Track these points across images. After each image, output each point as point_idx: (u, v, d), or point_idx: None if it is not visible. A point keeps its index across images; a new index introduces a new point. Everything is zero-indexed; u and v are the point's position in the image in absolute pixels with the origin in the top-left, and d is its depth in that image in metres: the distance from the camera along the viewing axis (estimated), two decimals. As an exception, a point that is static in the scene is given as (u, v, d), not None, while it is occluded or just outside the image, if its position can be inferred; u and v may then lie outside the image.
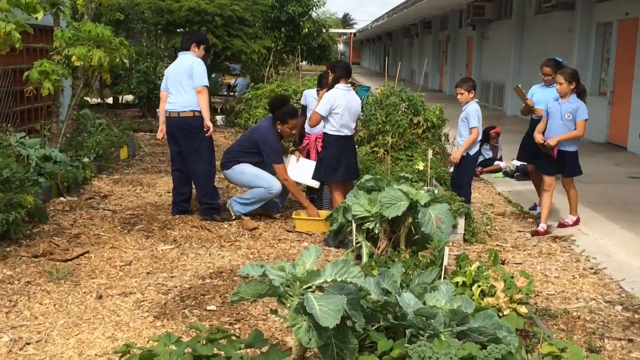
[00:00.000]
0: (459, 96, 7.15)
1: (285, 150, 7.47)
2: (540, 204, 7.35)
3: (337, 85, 6.68)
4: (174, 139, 7.10)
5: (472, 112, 7.03)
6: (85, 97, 11.71)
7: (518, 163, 9.87)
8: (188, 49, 7.15)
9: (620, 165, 11.24)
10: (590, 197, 8.40)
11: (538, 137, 6.98)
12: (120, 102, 17.80)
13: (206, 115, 6.92)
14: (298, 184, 7.32)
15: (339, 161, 6.69)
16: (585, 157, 11.92)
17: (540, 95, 7.51)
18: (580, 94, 6.88)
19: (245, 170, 7.15)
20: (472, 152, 7.15)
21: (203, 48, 7.20)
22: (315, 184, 7.24)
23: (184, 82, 6.94)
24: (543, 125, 7.02)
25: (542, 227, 7.02)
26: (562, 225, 7.21)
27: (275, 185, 7.07)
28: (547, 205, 7.08)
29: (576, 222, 7.22)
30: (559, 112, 6.87)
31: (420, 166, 7.45)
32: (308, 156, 7.40)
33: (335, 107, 6.56)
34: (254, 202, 7.13)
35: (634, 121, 12.68)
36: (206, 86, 6.96)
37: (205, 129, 6.93)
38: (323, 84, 7.39)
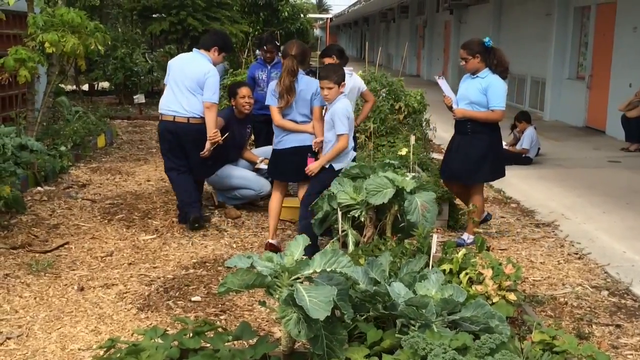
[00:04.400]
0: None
1: (253, 159, 7.18)
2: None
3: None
4: (180, 145, 6.35)
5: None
6: (60, 85, 11.51)
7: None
8: (208, 50, 6.48)
9: (600, 150, 11.29)
10: (571, 182, 8.43)
11: None
12: (95, 89, 17.55)
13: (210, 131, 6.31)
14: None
15: None
16: (564, 142, 12.06)
17: (465, 90, 6.04)
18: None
19: (233, 174, 6.86)
20: None
21: (222, 56, 6.65)
22: None
23: (193, 88, 6.34)
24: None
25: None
26: None
27: (265, 187, 6.90)
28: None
29: None
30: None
31: (404, 152, 7.39)
32: None
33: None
34: (240, 200, 7.00)
35: (612, 105, 12.73)
36: (216, 103, 6.42)
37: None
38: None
